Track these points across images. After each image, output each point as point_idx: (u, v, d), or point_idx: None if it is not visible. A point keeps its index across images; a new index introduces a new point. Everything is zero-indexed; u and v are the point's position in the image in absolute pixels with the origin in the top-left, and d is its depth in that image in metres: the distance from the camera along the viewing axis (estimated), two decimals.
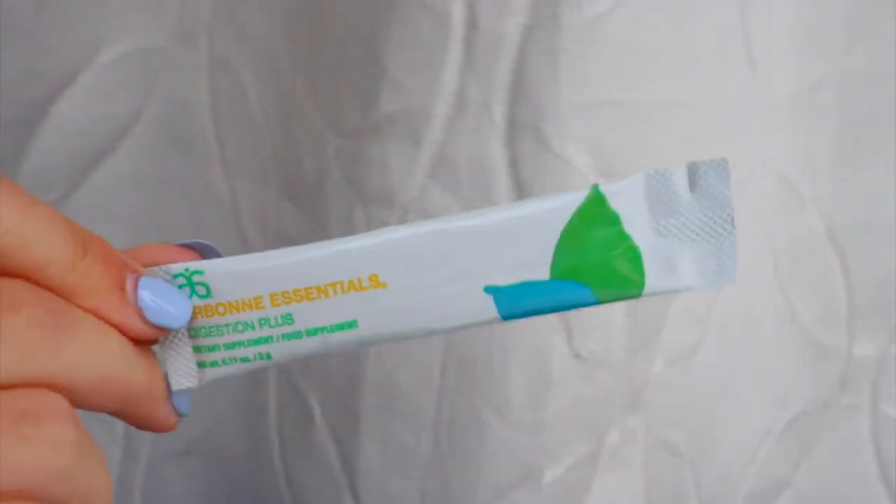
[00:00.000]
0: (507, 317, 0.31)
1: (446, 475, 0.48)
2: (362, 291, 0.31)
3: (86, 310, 0.29)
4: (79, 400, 0.28)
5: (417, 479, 0.49)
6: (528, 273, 0.30)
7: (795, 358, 0.51)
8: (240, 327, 0.31)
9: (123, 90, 0.50)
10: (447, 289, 0.31)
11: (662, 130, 0.44)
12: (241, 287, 0.31)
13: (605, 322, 0.46)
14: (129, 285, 0.30)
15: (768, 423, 0.52)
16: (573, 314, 0.45)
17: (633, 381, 0.47)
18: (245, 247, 0.51)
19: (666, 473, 0.50)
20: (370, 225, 0.46)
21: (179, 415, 0.32)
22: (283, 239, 0.50)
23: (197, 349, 0.31)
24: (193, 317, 0.31)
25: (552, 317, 0.46)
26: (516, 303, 0.31)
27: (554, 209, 0.30)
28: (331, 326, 0.31)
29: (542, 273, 0.31)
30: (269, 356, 0.31)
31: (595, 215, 0.30)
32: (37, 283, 0.28)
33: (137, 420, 0.31)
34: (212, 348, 0.31)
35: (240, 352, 0.31)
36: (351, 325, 0.31)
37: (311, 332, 0.31)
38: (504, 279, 0.31)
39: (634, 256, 0.31)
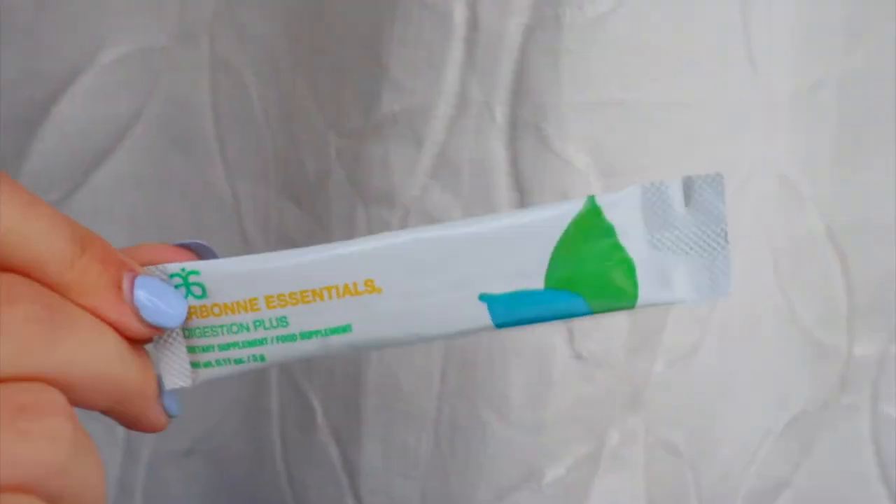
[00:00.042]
0: (500, 325, 0.31)
1: (447, 475, 0.48)
2: (357, 296, 0.31)
3: (83, 307, 0.29)
4: (72, 397, 0.28)
5: (419, 479, 0.49)
6: (524, 282, 0.31)
7: (795, 358, 0.51)
8: (234, 328, 0.31)
9: (124, 90, 0.50)
10: (444, 295, 0.31)
11: (663, 130, 0.44)
12: (237, 288, 0.31)
13: (606, 322, 0.46)
14: (125, 284, 0.30)
15: (768, 423, 0.52)
16: None
17: (634, 381, 0.47)
18: (246, 247, 0.51)
19: (666, 473, 0.50)
20: (371, 225, 0.46)
21: (169, 415, 0.32)
22: (285, 239, 0.50)
23: (191, 349, 0.32)
24: (189, 317, 0.31)
25: None
26: (510, 311, 0.31)
27: (551, 218, 0.31)
28: (325, 330, 0.31)
29: (537, 282, 0.31)
30: (262, 358, 0.32)
31: (591, 226, 0.31)
32: (36, 279, 0.28)
33: (128, 419, 0.31)
34: (206, 349, 0.31)
35: (234, 353, 0.31)
36: (345, 329, 0.31)
37: (306, 335, 0.31)
38: (500, 287, 0.31)
39: (628, 268, 0.31)
